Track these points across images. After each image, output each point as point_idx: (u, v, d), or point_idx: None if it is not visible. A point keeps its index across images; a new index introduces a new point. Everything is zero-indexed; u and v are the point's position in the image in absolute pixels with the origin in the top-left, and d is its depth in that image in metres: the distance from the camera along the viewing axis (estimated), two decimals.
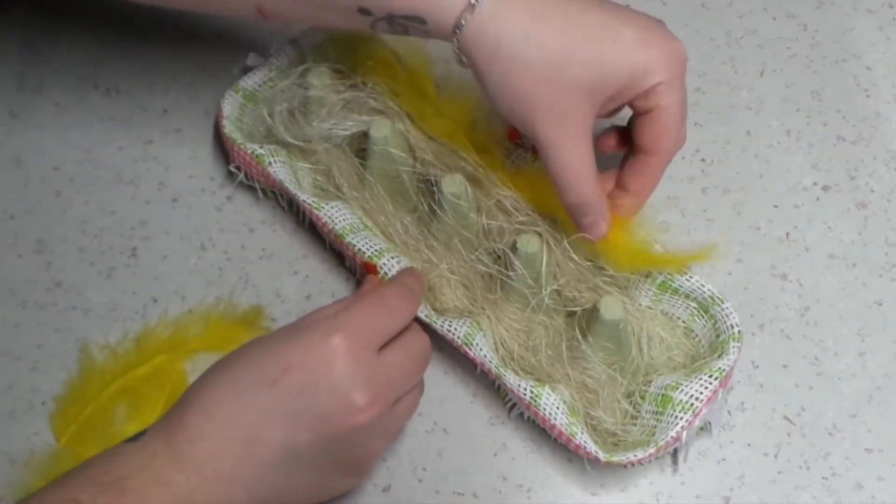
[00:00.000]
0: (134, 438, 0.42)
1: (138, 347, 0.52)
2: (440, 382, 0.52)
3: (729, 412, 0.52)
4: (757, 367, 0.53)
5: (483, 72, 0.46)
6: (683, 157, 0.60)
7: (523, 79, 0.45)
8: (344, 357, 0.42)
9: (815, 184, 0.60)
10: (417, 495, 0.49)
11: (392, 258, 0.51)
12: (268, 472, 0.41)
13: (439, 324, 0.50)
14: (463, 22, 0.45)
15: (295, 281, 0.55)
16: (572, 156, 0.47)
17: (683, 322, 0.51)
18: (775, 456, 0.50)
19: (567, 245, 0.51)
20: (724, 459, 0.50)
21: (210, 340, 0.52)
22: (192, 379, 0.44)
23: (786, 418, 0.52)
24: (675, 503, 0.49)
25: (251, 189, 0.57)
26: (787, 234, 0.58)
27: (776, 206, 0.59)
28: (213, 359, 0.45)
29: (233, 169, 0.57)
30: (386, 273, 0.51)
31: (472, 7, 0.45)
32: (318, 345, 0.42)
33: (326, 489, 0.45)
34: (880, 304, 0.55)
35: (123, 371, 0.51)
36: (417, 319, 0.50)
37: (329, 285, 0.55)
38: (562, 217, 0.53)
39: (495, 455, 0.50)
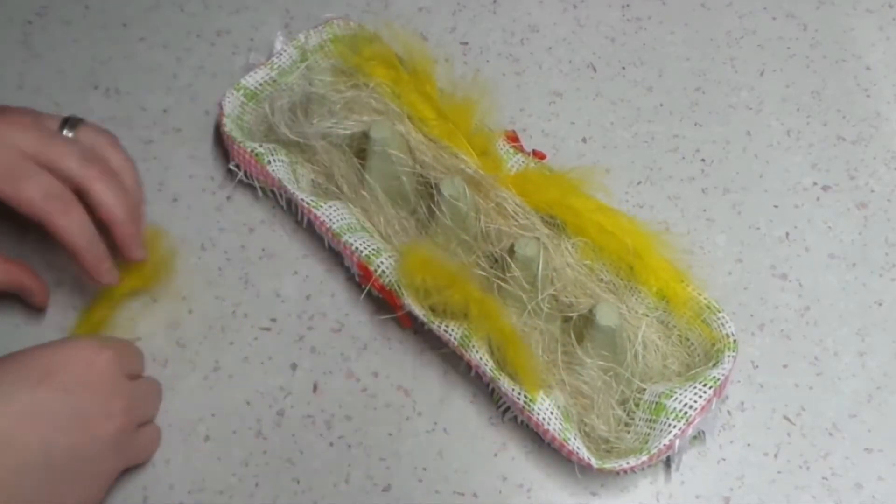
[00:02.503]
0: None
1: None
2: (440, 383, 0.52)
3: (729, 412, 0.51)
4: (757, 367, 0.53)
5: None
6: (684, 158, 0.60)
7: None
8: (108, 369, 0.44)
9: (815, 184, 0.60)
10: (417, 495, 0.49)
11: (389, 258, 0.51)
12: (24, 480, 0.41)
13: (436, 325, 0.50)
14: None
15: (295, 281, 0.55)
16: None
17: (679, 330, 0.51)
18: (775, 456, 0.50)
19: (565, 249, 0.51)
20: (724, 459, 0.50)
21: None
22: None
23: (786, 418, 0.52)
24: (675, 503, 0.49)
25: (251, 189, 0.57)
26: (787, 233, 0.58)
27: (776, 206, 0.59)
28: None
29: (232, 167, 0.57)
30: (383, 272, 0.51)
31: None
32: (85, 354, 0.44)
33: (76, 501, 0.44)
34: (880, 304, 0.55)
35: None
36: (414, 318, 0.50)
37: (329, 285, 0.55)
38: (560, 218, 0.53)
39: (495, 455, 0.50)
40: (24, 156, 0.47)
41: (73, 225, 0.48)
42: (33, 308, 0.53)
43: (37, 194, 0.47)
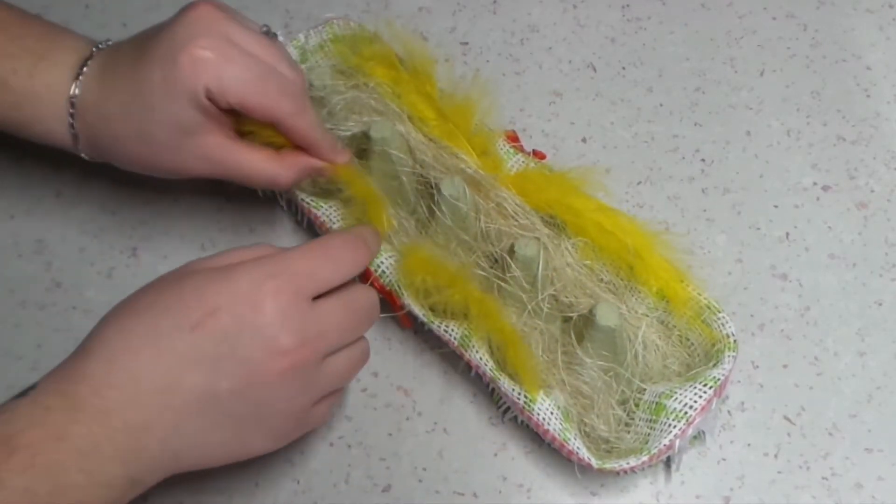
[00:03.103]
0: (23, 393, 0.39)
1: None
2: (440, 383, 0.52)
3: (729, 412, 0.52)
4: (757, 367, 0.53)
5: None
6: (684, 158, 0.60)
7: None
8: (273, 302, 0.40)
9: (815, 184, 0.60)
10: (417, 495, 0.49)
11: (388, 258, 0.51)
12: (183, 422, 0.39)
13: (436, 325, 0.50)
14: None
15: None
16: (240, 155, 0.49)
17: (679, 330, 0.51)
18: (775, 456, 0.50)
19: (565, 249, 0.51)
20: (724, 459, 0.50)
21: None
22: None
23: (786, 418, 0.52)
24: (676, 503, 0.49)
25: (251, 189, 0.57)
26: (788, 234, 0.58)
27: (776, 206, 0.59)
28: None
29: None
30: (383, 272, 0.51)
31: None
32: (247, 289, 0.40)
33: (243, 447, 0.42)
34: (880, 304, 0.55)
35: None
36: (414, 318, 0.50)
37: None
38: (560, 218, 0.53)
39: (495, 455, 0.50)
40: (253, 56, 0.47)
41: (306, 121, 0.49)
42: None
43: (275, 92, 0.47)
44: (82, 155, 0.51)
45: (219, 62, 0.46)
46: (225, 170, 0.49)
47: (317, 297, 0.42)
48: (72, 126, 0.49)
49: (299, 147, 0.50)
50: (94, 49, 0.49)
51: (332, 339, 0.42)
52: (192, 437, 0.40)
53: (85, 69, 0.48)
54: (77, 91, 0.48)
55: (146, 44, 0.48)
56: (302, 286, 0.41)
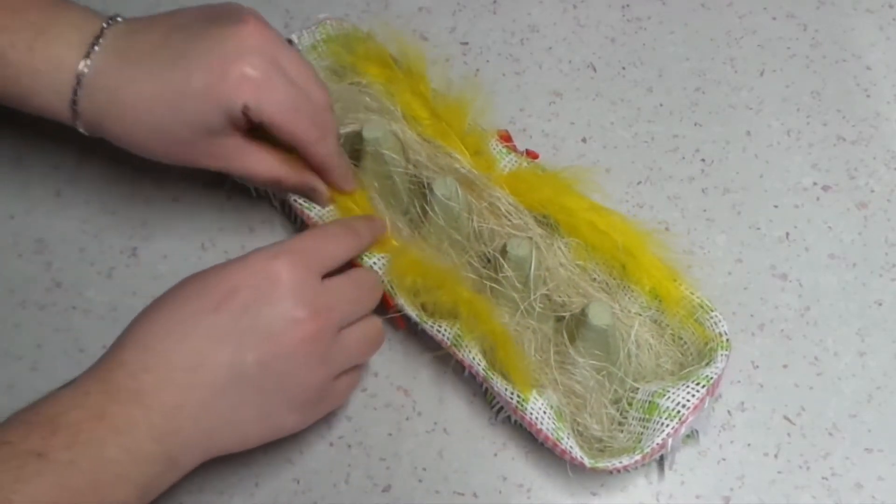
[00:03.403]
0: (66, 385, 0.41)
1: None
2: (440, 382, 0.52)
3: (729, 412, 0.52)
4: (757, 367, 0.53)
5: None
6: (684, 158, 0.60)
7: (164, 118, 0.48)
8: (286, 275, 0.43)
9: (815, 184, 0.60)
10: (417, 495, 0.49)
11: (381, 258, 0.51)
12: (214, 398, 0.41)
13: (429, 325, 0.50)
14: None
15: None
16: (250, 159, 0.51)
17: (672, 329, 0.51)
18: (775, 456, 0.50)
19: (558, 249, 0.51)
20: (724, 459, 0.50)
21: None
22: None
23: (786, 418, 0.52)
24: (676, 503, 0.49)
25: (250, 191, 0.57)
26: (788, 234, 0.58)
27: (776, 206, 0.59)
28: None
29: None
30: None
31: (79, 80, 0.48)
32: (261, 266, 0.43)
33: (275, 424, 0.44)
34: (880, 304, 0.55)
35: None
36: (407, 318, 0.50)
37: None
38: (553, 217, 0.53)
39: (495, 455, 0.50)
40: (294, 81, 0.49)
41: (328, 148, 0.51)
42: (319, 205, 0.54)
43: (307, 120, 0.49)
44: (79, 129, 0.50)
45: (264, 83, 0.47)
46: (233, 167, 0.51)
47: (324, 277, 0.45)
48: (74, 102, 0.49)
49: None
50: (104, 25, 0.49)
51: (343, 311, 0.45)
52: (224, 414, 0.42)
53: (96, 48, 0.48)
54: (86, 69, 0.48)
55: (187, 45, 0.48)
56: (311, 261, 0.44)
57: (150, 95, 0.48)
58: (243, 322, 0.42)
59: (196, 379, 0.41)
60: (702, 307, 0.50)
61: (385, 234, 0.52)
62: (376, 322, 0.48)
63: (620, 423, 0.48)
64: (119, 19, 0.50)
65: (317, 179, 0.53)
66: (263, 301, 0.42)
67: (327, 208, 0.54)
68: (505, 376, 0.48)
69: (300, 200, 0.54)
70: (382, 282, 0.50)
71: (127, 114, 0.48)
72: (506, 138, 0.57)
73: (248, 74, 0.47)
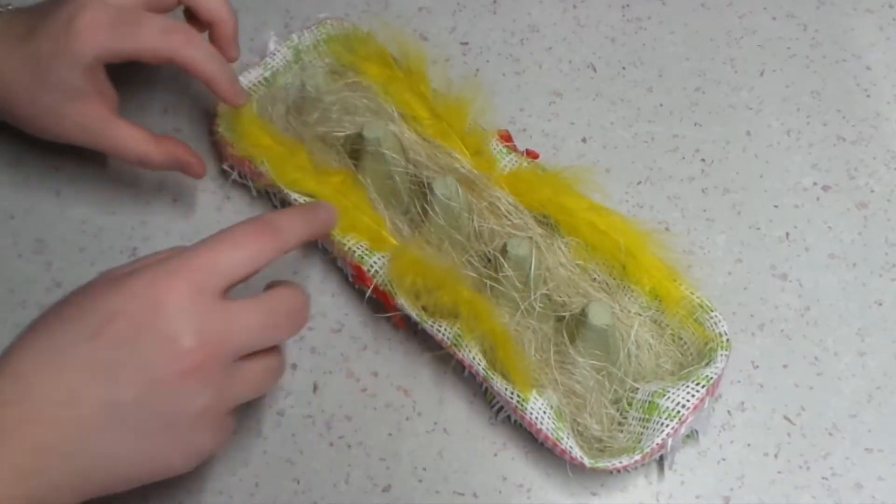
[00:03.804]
0: None
1: None
2: (440, 383, 0.52)
3: (729, 412, 0.52)
4: (757, 367, 0.53)
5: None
6: (683, 158, 0.60)
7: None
8: (173, 299, 0.38)
9: (815, 184, 0.60)
10: (417, 495, 0.49)
11: (381, 258, 0.51)
12: (88, 436, 0.38)
13: (429, 325, 0.50)
14: None
15: (295, 281, 0.55)
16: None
17: (672, 329, 0.51)
18: (775, 456, 0.51)
19: (558, 249, 0.51)
20: (724, 459, 0.50)
21: None
22: None
23: (786, 418, 0.52)
24: (675, 503, 0.49)
25: (249, 189, 0.57)
26: (788, 233, 0.58)
27: (776, 206, 0.59)
28: None
29: (226, 168, 0.57)
30: (376, 273, 0.51)
31: None
32: (145, 290, 0.39)
33: (157, 464, 0.40)
34: (880, 304, 0.55)
35: None
36: (407, 318, 0.50)
37: (328, 285, 0.55)
38: (553, 217, 0.53)
39: (495, 455, 0.50)
40: (128, 10, 0.50)
41: (200, 52, 0.50)
42: (194, 178, 0.55)
43: (155, 33, 0.49)
44: None
45: (105, 27, 0.49)
46: (101, 140, 0.52)
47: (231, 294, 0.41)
48: None
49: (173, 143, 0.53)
50: None
51: (241, 340, 0.40)
52: (100, 453, 0.38)
53: None
54: None
55: (42, 13, 0.51)
56: (203, 281, 0.39)
57: (18, 67, 0.50)
58: (120, 354, 0.38)
59: (68, 415, 0.37)
60: (702, 307, 0.50)
61: (334, 222, 0.48)
62: (280, 356, 0.43)
63: (620, 423, 0.48)
64: (10, 6, 0.53)
65: (187, 152, 0.53)
66: (143, 331, 0.38)
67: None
68: (505, 376, 0.48)
69: (299, 199, 0.54)
70: (388, 289, 0.49)
71: (5, 90, 0.51)
72: (506, 138, 0.57)
73: (88, 23, 0.49)
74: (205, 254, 0.40)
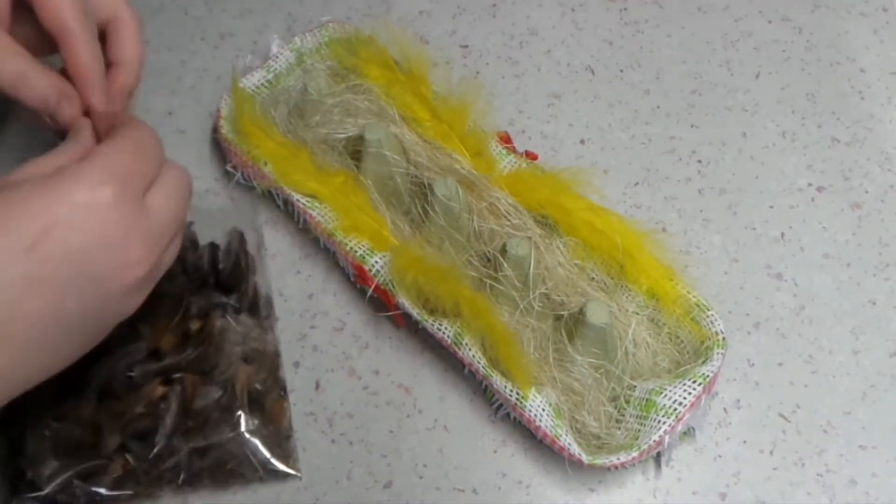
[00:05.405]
0: None
1: None
2: (441, 381, 0.52)
3: (725, 409, 0.52)
4: (752, 365, 0.54)
5: None
6: (680, 159, 0.61)
7: None
8: (116, 210, 0.37)
9: (809, 185, 0.60)
10: (418, 491, 0.49)
11: (382, 257, 0.52)
12: (28, 353, 0.37)
13: (429, 323, 0.50)
14: None
15: (297, 280, 0.55)
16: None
17: (669, 328, 0.52)
18: (771, 453, 0.51)
19: (556, 248, 0.52)
20: (720, 456, 0.51)
21: None
22: None
23: (781, 416, 0.52)
24: (673, 500, 0.50)
25: (253, 190, 0.57)
26: (783, 234, 0.58)
27: (771, 207, 0.59)
28: None
29: (229, 169, 0.57)
30: (377, 272, 0.51)
31: None
32: (84, 197, 0.37)
33: (87, 343, 0.40)
34: (874, 304, 0.56)
35: None
36: (407, 316, 0.51)
37: (330, 284, 0.55)
38: (552, 217, 0.53)
39: (495, 452, 0.51)
40: None
41: (90, 49, 0.44)
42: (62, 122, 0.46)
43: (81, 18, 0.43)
44: None
45: None
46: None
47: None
48: None
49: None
50: None
51: (169, 234, 0.41)
52: (41, 362, 0.38)
53: None
54: None
55: None
56: (135, 187, 0.39)
57: None
58: (66, 267, 0.36)
59: (6, 333, 0.36)
60: (698, 306, 0.50)
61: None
62: (183, 231, 0.43)
63: (618, 421, 0.49)
64: None
65: (68, 85, 0.45)
66: (89, 241, 0.36)
67: (331, 207, 0.54)
68: (505, 374, 0.48)
69: (302, 199, 0.54)
70: (388, 287, 0.50)
71: None
72: (505, 140, 0.58)
73: None
74: (133, 160, 0.39)
